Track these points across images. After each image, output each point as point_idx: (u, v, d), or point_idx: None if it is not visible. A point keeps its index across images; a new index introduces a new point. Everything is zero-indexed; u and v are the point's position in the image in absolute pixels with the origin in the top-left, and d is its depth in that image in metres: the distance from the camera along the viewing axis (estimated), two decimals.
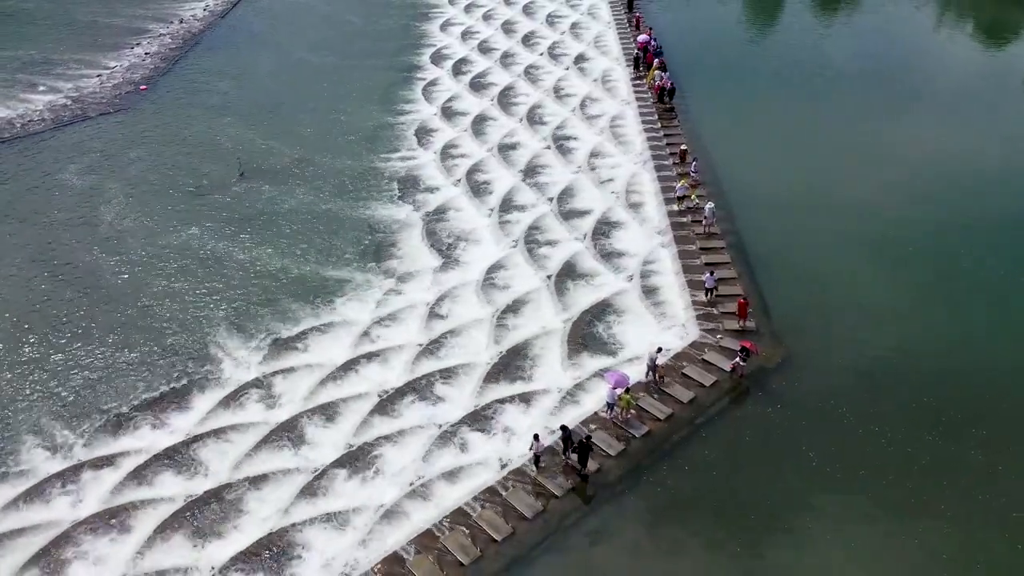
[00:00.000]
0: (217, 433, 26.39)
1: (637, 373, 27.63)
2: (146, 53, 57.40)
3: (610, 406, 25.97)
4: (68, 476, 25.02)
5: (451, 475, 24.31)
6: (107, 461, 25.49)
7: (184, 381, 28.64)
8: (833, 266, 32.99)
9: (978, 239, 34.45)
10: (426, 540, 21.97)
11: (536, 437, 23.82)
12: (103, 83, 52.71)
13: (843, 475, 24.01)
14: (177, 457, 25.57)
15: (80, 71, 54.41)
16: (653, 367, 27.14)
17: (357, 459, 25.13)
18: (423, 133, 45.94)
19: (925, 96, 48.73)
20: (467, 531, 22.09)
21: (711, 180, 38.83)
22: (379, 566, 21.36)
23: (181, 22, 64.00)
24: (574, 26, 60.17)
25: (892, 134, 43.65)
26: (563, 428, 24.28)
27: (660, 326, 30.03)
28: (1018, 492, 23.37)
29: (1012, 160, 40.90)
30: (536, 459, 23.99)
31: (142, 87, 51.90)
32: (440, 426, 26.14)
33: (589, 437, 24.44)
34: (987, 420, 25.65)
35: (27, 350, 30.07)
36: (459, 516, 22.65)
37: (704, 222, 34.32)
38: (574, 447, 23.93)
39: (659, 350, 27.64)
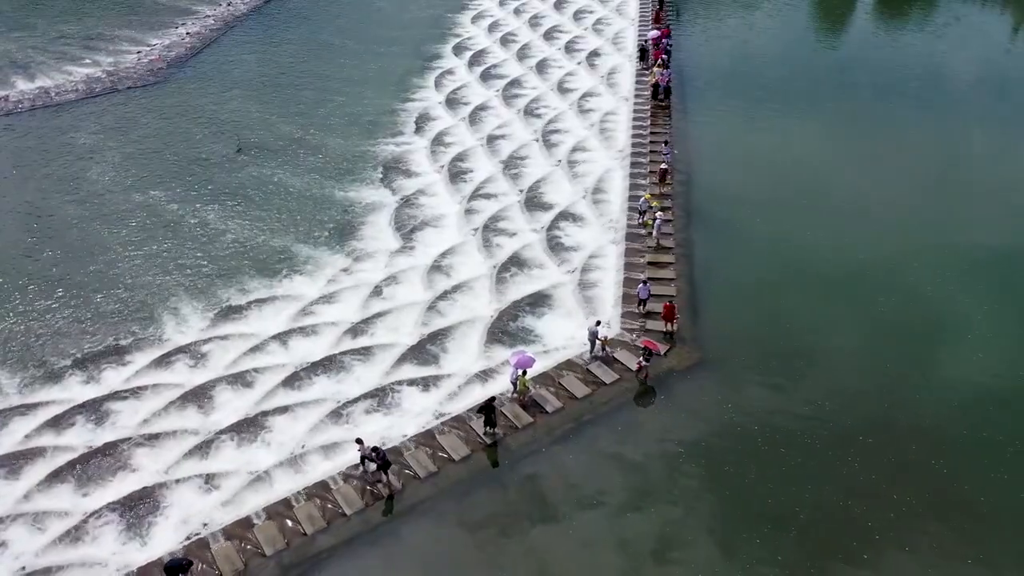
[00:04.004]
0: (138, 391, 27.63)
1: (544, 365, 27.48)
2: (187, 33, 59.98)
3: (514, 385, 25.93)
4: None
5: (328, 449, 24.75)
6: (32, 408, 27.07)
7: (127, 339, 30.05)
8: (777, 281, 31.58)
9: (930, 269, 32.22)
10: (280, 508, 22.48)
11: (359, 441, 23.44)
12: (140, 59, 55.44)
13: (707, 472, 23.35)
14: (93, 409, 26.89)
15: (123, 47, 57.32)
16: (594, 339, 27.13)
17: (251, 426, 25.86)
18: (422, 120, 46.46)
19: (946, 110, 46.01)
20: (320, 503, 22.46)
21: (682, 179, 37.87)
22: (228, 527, 22.01)
23: (228, 4, 66.55)
24: (598, 22, 59.50)
25: (889, 152, 41.29)
26: (375, 449, 23.33)
27: (587, 321, 29.56)
28: (893, 507, 22.22)
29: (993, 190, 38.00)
30: (362, 461, 23.50)
31: (153, 57, 54.83)
32: (338, 402, 26.60)
33: (493, 399, 24.82)
34: (877, 435, 24.49)
35: None
36: (320, 488, 23.05)
37: (654, 233, 33.12)
38: (377, 467, 23.30)
39: (598, 323, 27.59)
